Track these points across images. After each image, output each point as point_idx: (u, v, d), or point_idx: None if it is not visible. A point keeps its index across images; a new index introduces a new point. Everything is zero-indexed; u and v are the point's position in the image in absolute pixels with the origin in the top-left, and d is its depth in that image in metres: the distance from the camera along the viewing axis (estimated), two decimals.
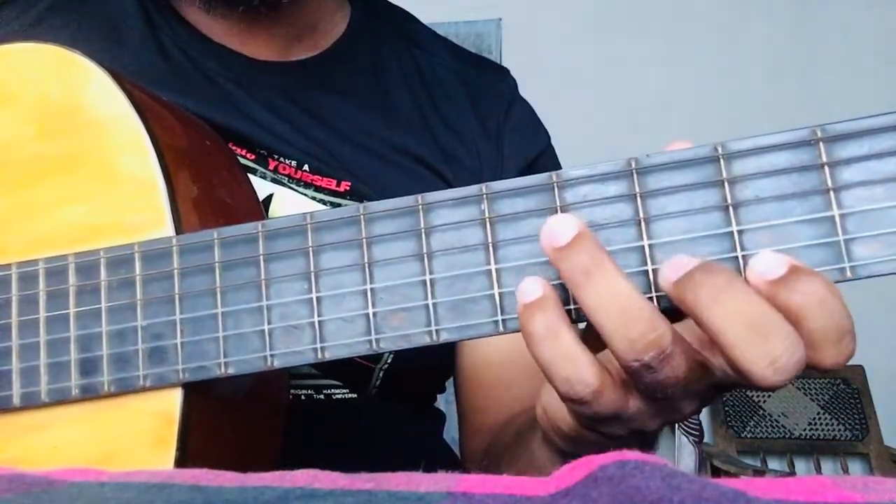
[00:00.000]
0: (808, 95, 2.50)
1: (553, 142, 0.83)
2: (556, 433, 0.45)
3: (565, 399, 0.39)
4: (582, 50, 2.68)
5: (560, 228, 0.37)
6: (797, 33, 2.60)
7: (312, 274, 0.44)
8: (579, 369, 0.38)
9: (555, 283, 0.39)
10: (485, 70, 0.84)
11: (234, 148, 0.68)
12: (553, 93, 2.32)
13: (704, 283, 0.35)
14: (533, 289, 0.38)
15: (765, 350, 0.34)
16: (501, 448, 0.66)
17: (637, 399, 0.39)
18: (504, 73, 0.86)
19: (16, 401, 0.49)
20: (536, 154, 0.80)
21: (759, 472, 2.09)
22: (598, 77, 2.66)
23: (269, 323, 0.44)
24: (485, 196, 0.42)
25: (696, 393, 0.39)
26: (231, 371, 0.45)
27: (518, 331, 0.41)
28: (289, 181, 0.70)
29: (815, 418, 2.39)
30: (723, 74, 2.62)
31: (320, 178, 0.70)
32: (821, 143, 0.37)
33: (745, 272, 0.37)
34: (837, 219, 0.37)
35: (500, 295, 0.41)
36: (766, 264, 0.35)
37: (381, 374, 0.70)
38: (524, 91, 0.85)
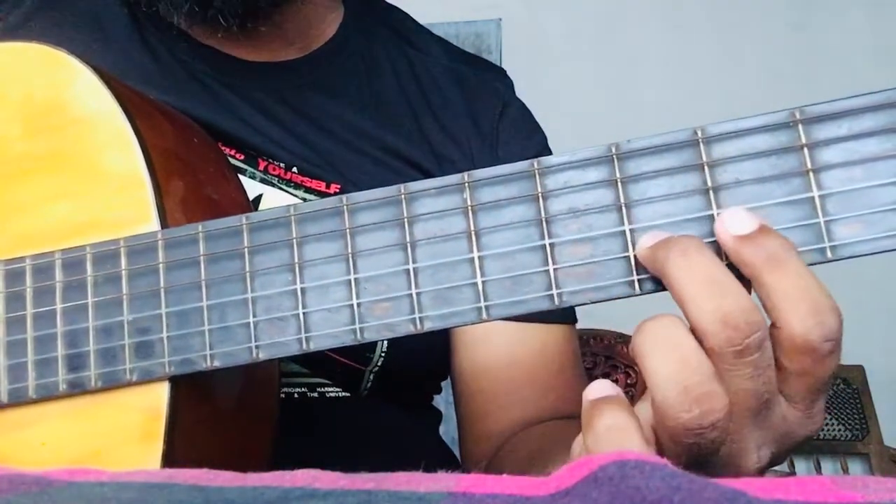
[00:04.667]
0: (807, 93, 2.50)
1: (552, 141, 0.83)
2: None
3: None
4: (582, 50, 2.68)
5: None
6: (797, 31, 2.60)
7: (297, 265, 0.44)
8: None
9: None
10: (480, 70, 0.84)
11: (223, 148, 0.68)
12: (553, 93, 2.33)
13: (674, 243, 0.37)
14: (602, 387, 0.38)
15: (717, 303, 0.35)
16: (517, 462, 0.65)
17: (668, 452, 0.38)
18: (500, 73, 0.86)
19: (3, 397, 0.49)
20: (533, 156, 0.79)
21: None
22: (598, 77, 2.67)
23: (254, 315, 0.44)
24: (467, 185, 0.42)
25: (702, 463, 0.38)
26: (217, 364, 0.45)
27: (502, 318, 0.41)
28: (278, 181, 0.70)
29: None
30: (723, 74, 2.62)
31: (309, 179, 0.70)
32: (800, 125, 0.37)
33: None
34: (817, 200, 0.37)
35: (483, 283, 0.41)
36: (736, 221, 0.36)
37: (371, 377, 0.70)
38: (524, 91, 0.84)
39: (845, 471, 2.26)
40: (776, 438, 0.39)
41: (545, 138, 0.83)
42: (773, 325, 0.36)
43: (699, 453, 0.36)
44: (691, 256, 0.36)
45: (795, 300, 0.35)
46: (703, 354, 0.36)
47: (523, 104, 0.84)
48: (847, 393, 2.38)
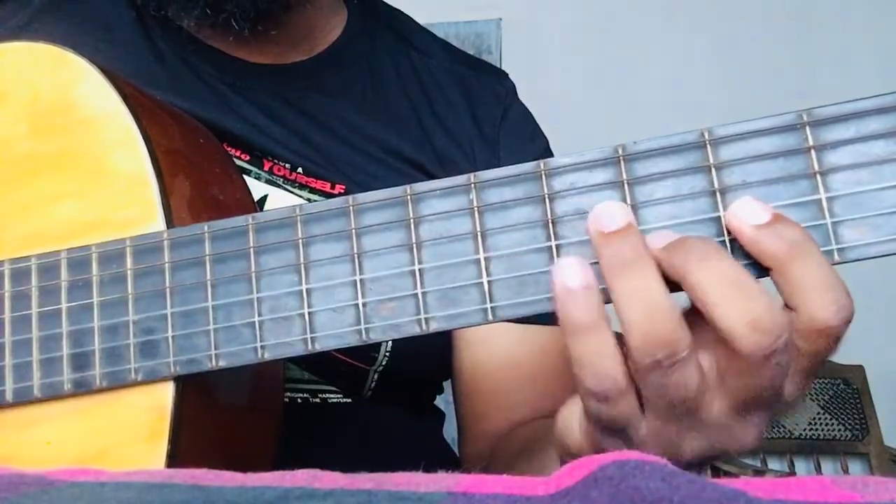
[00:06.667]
0: (808, 92, 2.50)
1: (553, 142, 0.83)
2: (563, 450, 0.45)
3: (587, 395, 0.39)
4: (582, 50, 2.68)
5: (610, 214, 0.38)
6: (798, 30, 2.60)
7: (302, 266, 0.44)
8: (615, 366, 0.38)
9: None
10: (482, 73, 0.84)
11: (228, 149, 0.68)
12: (553, 93, 2.33)
13: (695, 246, 0.36)
14: (575, 273, 0.38)
15: (746, 306, 0.35)
16: (508, 458, 0.66)
17: (650, 418, 0.39)
18: (502, 76, 0.86)
19: (8, 397, 0.49)
20: (534, 159, 0.79)
21: (759, 472, 2.08)
22: (599, 77, 2.67)
23: (259, 315, 0.44)
24: (473, 185, 0.42)
25: (700, 423, 0.39)
26: (222, 364, 0.45)
27: (508, 319, 0.41)
28: (283, 182, 0.70)
29: (815, 418, 2.38)
30: (724, 74, 2.62)
31: (314, 180, 0.71)
32: (807, 128, 0.37)
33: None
34: (824, 202, 0.37)
35: (489, 283, 0.41)
36: (750, 211, 0.36)
37: (375, 377, 0.70)
38: (523, 91, 0.84)
39: (845, 471, 2.26)
40: (772, 417, 0.40)
41: (547, 142, 0.83)
42: (788, 308, 0.37)
43: (667, 388, 0.37)
44: (712, 261, 0.36)
45: (821, 289, 0.35)
46: (671, 301, 0.36)
47: (525, 108, 0.84)
48: (847, 393, 2.38)
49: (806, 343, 0.37)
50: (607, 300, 0.38)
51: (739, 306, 0.35)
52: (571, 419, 0.43)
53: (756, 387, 0.37)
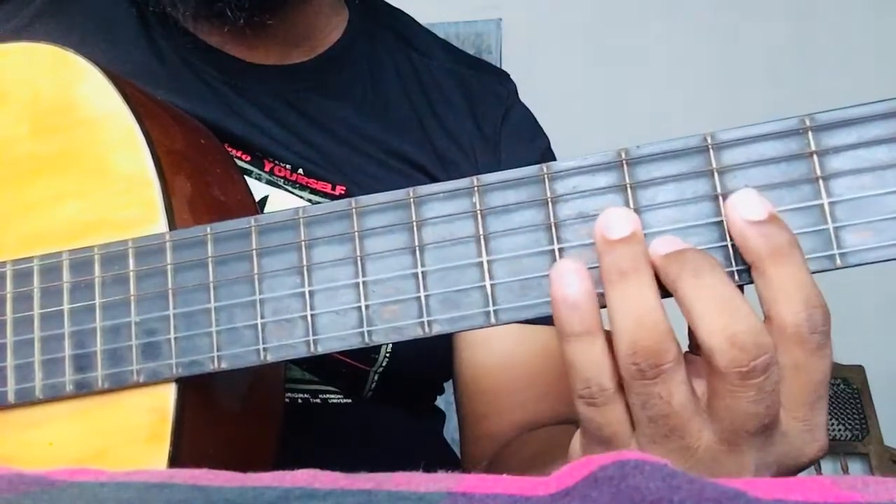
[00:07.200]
0: (809, 93, 2.50)
1: (553, 142, 0.83)
2: None
3: (577, 397, 0.40)
4: (582, 50, 2.68)
5: (617, 220, 0.38)
6: (798, 31, 2.60)
7: (305, 268, 0.44)
8: (604, 372, 0.38)
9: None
10: (483, 74, 0.84)
11: (229, 149, 0.68)
12: (553, 93, 2.32)
13: (690, 260, 0.37)
14: (572, 282, 0.38)
15: (727, 322, 0.35)
16: (520, 463, 0.66)
17: (638, 437, 0.39)
18: (503, 76, 0.86)
19: (10, 397, 0.49)
20: (535, 160, 0.79)
21: None
22: (599, 77, 2.66)
23: (261, 317, 0.44)
24: (476, 189, 0.42)
25: (687, 451, 0.38)
26: (224, 365, 0.45)
27: (510, 322, 0.41)
28: (284, 183, 0.70)
29: None
30: (725, 75, 2.62)
31: (315, 181, 0.70)
32: (809, 132, 0.37)
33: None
34: (826, 207, 0.37)
35: (492, 286, 0.41)
36: (748, 205, 0.37)
37: (376, 378, 0.70)
38: (523, 92, 0.84)
39: (845, 471, 2.26)
40: (777, 460, 0.39)
41: (548, 142, 0.83)
42: (766, 319, 0.37)
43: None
44: (703, 277, 0.36)
45: (791, 292, 0.36)
46: (661, 312, 0.37)
47: (526, 108, 0.84)
48: (847, 393, 2.38)
49: (783, 355, 0.37)
50: (604, 304, 0.38)
51: (721, 321, 0.35)
52: (575, 441, 0.43)
53: (740, 412, 0.36)
